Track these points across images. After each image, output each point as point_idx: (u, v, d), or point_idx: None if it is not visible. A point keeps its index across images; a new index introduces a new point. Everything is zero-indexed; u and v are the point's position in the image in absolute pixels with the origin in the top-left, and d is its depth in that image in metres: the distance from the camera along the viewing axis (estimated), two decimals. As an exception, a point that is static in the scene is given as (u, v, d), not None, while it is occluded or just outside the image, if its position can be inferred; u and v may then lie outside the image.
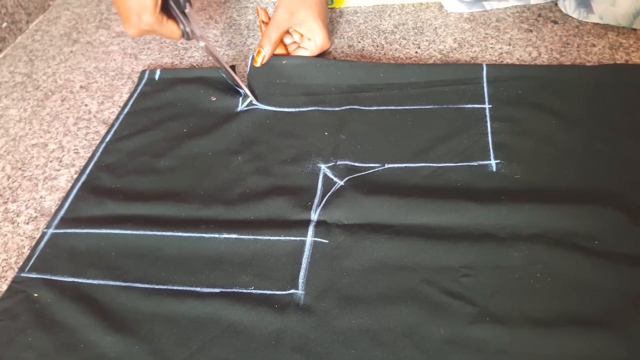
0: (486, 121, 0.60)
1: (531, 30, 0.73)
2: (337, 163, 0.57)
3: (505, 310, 0.44)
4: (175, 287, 0.48)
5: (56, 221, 0.55)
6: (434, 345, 0.42)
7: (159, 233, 0.52)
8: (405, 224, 0.51)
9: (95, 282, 0.50)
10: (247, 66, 0.70)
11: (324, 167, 0.57)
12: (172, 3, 0.57)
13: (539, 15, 0.75)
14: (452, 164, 0.56)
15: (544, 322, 0.43)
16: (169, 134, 0.63)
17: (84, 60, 0.79)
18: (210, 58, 0.64)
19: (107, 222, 0.54)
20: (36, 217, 0.57)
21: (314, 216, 0.52)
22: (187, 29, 0.59)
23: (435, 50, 0.71)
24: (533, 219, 0.50)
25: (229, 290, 0.48)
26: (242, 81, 0.66)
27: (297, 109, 0.64)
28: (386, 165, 0.56)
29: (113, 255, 0.52)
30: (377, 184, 0.54)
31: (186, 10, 0.58)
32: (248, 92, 0.65)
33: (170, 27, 0.58)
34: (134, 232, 0.53)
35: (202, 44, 0.61)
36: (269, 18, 0.68)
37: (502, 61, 0.68)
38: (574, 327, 0.42)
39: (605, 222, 0.49)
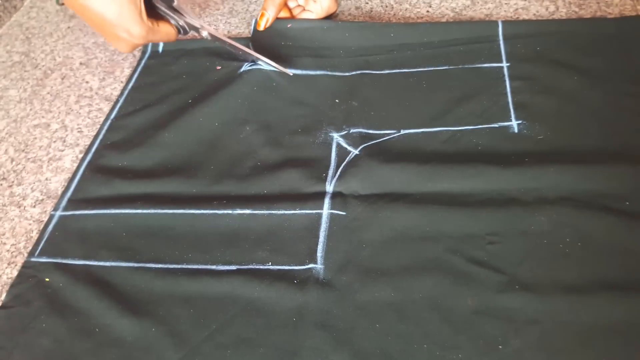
0: (505, 80, 0.57)
1: (547, -17, 0.69)
2: (351, 131, 0.55)
3: (535, 277, 0.42)
4: (190, 266, 0.47)
5: (63, 203, 0.53)
6: (462, 316, 0.41)
7: (170, 211, 0.50)
8: (425, 191, 0.48)
9: (107, 264, 0.48)
10: (250, 32, 0.67)
11: (336, 136, 0.55)
12: (156, 2, 0.53)
13: (555, -33, 0.71)
14: (471, 127, 0.53)
15: (577, 288, 0.41)
16: (176, 108, 0.60)
17: (82, 35, 0.76)
18: (224, 44, 0.61)
19: (116, 202, 0.52)
20: (43, 199, 0.55)
21: (330, 187, 0.50)
22: (181, 23, 0.56)
23: (447, 9, 0.68)
24: (559, 182, 0.47)
25: (246, 267, 0.46)
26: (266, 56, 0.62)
27: (304, 72, 0.62)
28: (402, 131, 0.54)
29: (124, 235, 0.50)
30: (394, 151, 0.52)
31: (174, 4, 0.55)
32: (277, 66, 0.61)
33: (164, 30, 0.54)
34: (144, 210, 0.51)
35: (204, 33, 0.58)
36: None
37: (518, 17, 0.65)
38: (609, 293, 0.40)
39: (636, 182, 0.46)
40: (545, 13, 0.65)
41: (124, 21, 0.50)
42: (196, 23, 0.57)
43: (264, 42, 0.64)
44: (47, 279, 0.48)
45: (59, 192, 0.55)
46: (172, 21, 0.56)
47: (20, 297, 0.47)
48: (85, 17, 0.51)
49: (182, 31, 0.57)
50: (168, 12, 0.54)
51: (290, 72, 0.61)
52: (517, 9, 0.66)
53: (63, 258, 0.49)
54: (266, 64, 0.61)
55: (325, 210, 0.49)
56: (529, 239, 0.44)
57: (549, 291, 0.41)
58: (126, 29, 0.50)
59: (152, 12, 0.54)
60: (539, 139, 0.51)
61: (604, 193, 0.46)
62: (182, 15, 0.56)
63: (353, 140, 0.54)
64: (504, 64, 0.59)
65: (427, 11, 0.68)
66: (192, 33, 0.58)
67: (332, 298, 0.43)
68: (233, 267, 0.46)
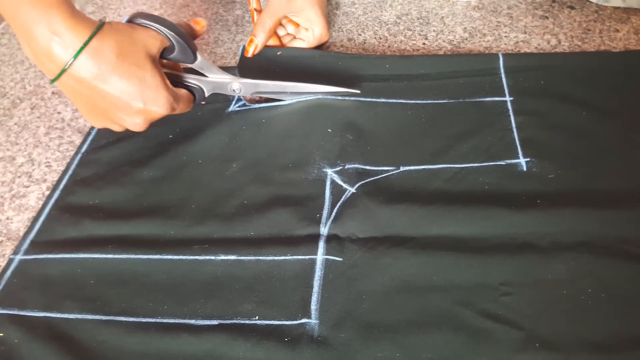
0: (509, 115, 0.54)
1: (547, 17, 0.67)
2: (346, 167, 0.50)
3: (556, 333, 0.38)
4: (165, 320, 0.41)
5: (25, 246, 0.48)
6: (478, 380, 0.36)
7: (145, 256, 0.45)
8: (430, 235, 0.44)
9: (72, 316, 0.42)
10: (236, 61, 0.63)
11: (330, 172, 0.50)
12: (172, 62, 0.50)
13: (554, 1, 0.69)
14: (476, 164, 0.49)
15: (604, 346, 0.37)
16: (153, 141, 0.55)
17: (56, 64, 0.71)
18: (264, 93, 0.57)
19: (84, 245, 0.47)
20: (1, 241, 0.49)
21: (324, 230, 0.46)
22: (201, 85, 0.53)
23: (444, 41, 0.65)
24: (576, 225, 0.44)
25: (229, 321, 0.41)
26: (317, 83, 0.57)
27: (295, 99, 0.57)
28: (401, 168, 0.50)
29: (92, 283, 0.44)
30: (394, 189, 0.48)
31: (197, 61, 0.51)
32: (341, 89, 0.56)
33: (185, 96, 0.50)
34: (116, 256, 0.45)
35: (235, 85, 0.54)
36: (262, 7, 0.61)
37: (518, 50, 0.62)
38: (641, 352, 0.36)
39: (659, 226, 0.43)
40: (547, 46, 0.62)
41: (148, 93, 0.45)
42: (227, 77, 0.54)
43: (251, 70, 0.60)
44: (1, 334, 0.42)
45: (21, 233, 0.50)
46: (191, 83, 0.52)
47: (-32, 355, 0.41)
48: (90, 101, 0.45)
49: (199, 95, 0.53)
50: (188, 74, 0.51)
51: (357, 92, 0.56)
52: (517, 42, 0.63)
53: (21, 309, 0.43)
54: (326, 93, 0.57)
55: (320, 255, 0.44)
56: (546, 290, 0.40)
57: (574, 350, 0.37)
58: (151, 101, 0.45)
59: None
60: (550, 178, 0.47)
61: (624, 238, 0.43)
62: (203, 74, 0.52)
63: (349, 176, 0.50)
64: (507, 98, 0.55)
65: (424, 44, 0.65)
66: (213, 94, 0.55)
67: (328, 359, 0.38)
68: (215, 322, 0.41)
